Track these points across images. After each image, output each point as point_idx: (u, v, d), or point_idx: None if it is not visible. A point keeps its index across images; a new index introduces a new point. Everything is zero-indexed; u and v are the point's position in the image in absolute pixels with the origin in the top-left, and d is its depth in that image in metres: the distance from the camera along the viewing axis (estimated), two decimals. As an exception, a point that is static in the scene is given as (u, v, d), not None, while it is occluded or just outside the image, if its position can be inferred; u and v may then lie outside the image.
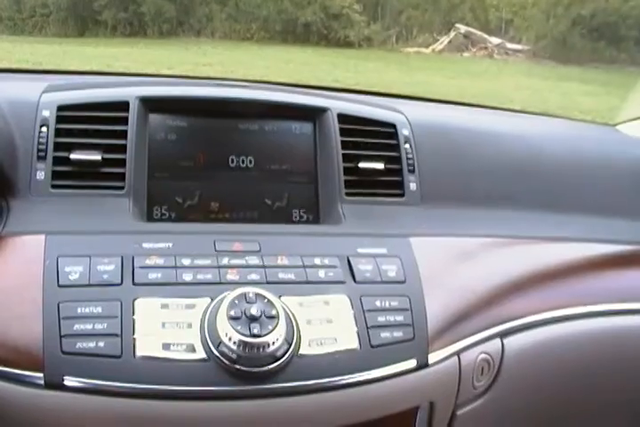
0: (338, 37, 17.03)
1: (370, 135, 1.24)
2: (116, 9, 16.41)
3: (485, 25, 17.09)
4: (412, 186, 1.24)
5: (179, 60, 10.16)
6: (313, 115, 1.24)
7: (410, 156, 1.25)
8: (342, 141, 1.21)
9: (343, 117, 1.22)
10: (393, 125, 1.27)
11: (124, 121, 1.13)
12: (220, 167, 1.19)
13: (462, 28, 15.89)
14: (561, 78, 11.61)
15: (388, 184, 1.23)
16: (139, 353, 0.92)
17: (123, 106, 1.15)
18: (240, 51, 12.94)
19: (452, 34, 15.84)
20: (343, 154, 1.20)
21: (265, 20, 17.65)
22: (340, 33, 17.13)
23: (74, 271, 0.97)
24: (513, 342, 1.16)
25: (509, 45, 15.46)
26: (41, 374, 0.90)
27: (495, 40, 15.60)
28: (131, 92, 1.17)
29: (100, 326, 0.93)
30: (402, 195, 1.23)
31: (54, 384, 0.90)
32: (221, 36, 16.90)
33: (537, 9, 15.87)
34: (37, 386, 0.90)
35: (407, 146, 1.25)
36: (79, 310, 0.93)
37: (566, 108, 7.94)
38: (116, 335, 0.92)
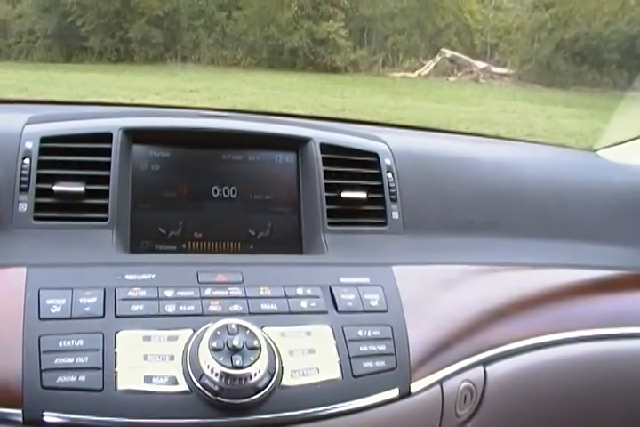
0: (324, 63, 17.15)
1: (352, 165, 1.23)
2: (103, 35, 16.47)
3: (471, 49, 17.30)
4: (395, 215, 1.23)
5: (166, 86, 10.19)
6: (296, 145, 1.22)
7: (392, 185, 1.24)
8: (325, 171, 1.20)
9: (326, 147, 1.21)
10: (375, 155, 1.25)
11: (108, 152, 1.12)
12: (204, 198, 1.18)
13: (448, 53, 16.08)
14: (546, 102, 11.74)
15: (371, 213, 1.22)
16: (120, 386, 0.90)
17: (106, 137, 1.13)
18: (227, 77, 13.03)
19: (438, 58, 16.02)
20: (326, 183, 1.19)
21: (252, 47, 17.76)
22: (326, 58, 17.25)
23: (55, 304, 0.95)
24: (495, 369, 1.15)
25: (495, 69, 15.65)
26: (19, 411, 0.87)
27: (481, 64, 15.78)
28: (114, 124, 1.16)
29: (81, 360, 0.92)
30: (384, 224, 1.22)
31: (33, 421, 0.88)
32: (208, 62, 16.97)
33: (521, 33, 16.12)
34: (15, 423, 0.88)
35: (389, 175, 1.24)
36: (60, 344, 0.93)
37: (552, 131, 8.04)
38: (98, 369, 0.90)
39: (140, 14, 15.34)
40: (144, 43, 15.18)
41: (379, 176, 1.23)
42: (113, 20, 15.31)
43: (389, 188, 1.23)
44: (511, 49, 16.15)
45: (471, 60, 15.88)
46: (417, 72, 15.84)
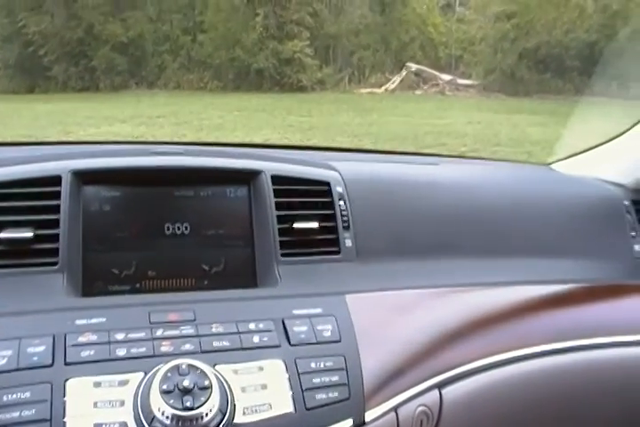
0: (291, 82, 17.27)
1: (304, 194, 1.23)
2: (67, 64, 16.43)
3: (436, 62, 17.54)
4: (348, 242, 1.22)
5: (132, 113, 10.21)
6: (247, 178, 1.22)
7: (344, 212, 1.23)
8: (277, 202, 1.19)
9: (277, 179, 1.21)
10: (327, 183, 1.25)
11: (57, 195, 1.10)
12: (156, 235, 1.16)
13: (413, 67, 16.28)
14: (511, 111, 11.97)
15: (324, 242, 1.21)
16: None
17: (55, 180, 1.11)
18: (193, 101, 13.08)
19: (404, 73, 16.22)
20: (278, 215, 1.18)
21: (217, 69, 17.84)
22: (292, 77, 17.37)
23: (2, 356, 0.92)
24: (451, 391, 1.14)
25: (460, 81, 15.87)
26: None
27: (446, 77, 16.01)
28: (63, 166, 1.14)
29: (27, 413, 0.89)
30: (338, 252, 1.21)
31: None
32: (175, 87, 17.02)
33: (485, 44, 16.38)
34: None
35: (341, 202, 1.24)
36: (5, 398, 0.90)
37: (517, 139, 8.16)
38: (46, 420, 0.89)
39: (104, 41, 15.40)
40: (109, 70, 15.22)
41: (331, 204, 1.23)
42: (76, 49, 15.35)
43: (342, 215, 1.23)
44: (475, 60, 16.39)
45: (436, 73, 16.10)
46: (383, 87, 16.02)
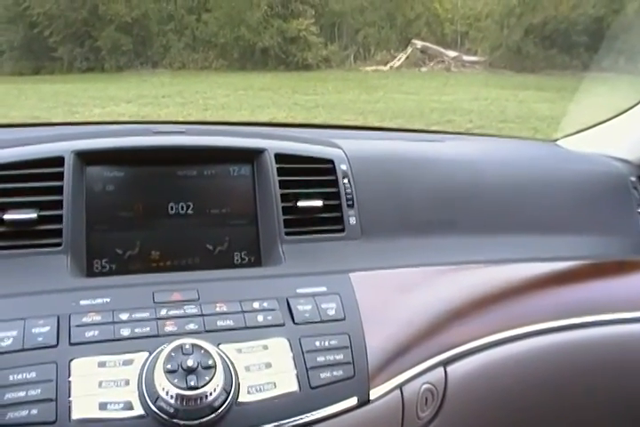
0: (296, 61, 17.11)
1: (308, 173, 1.23)
2: (72, 44, 16.33)
3: (442, 39, 17.33)
4: (352, 220, 1.22)
5: (137, 93, 10.15)
6: (251, 157, 1.22)
7: (348, 190, 1.23)
8: (280, 181, 1.19)
9: (280, 157, 1.21)
10: (330, 161, 1.25)
11: (60, 176, 1.10)
12: (160, 215, 1.17)
13: (419, 44, 16.11)
14: (517, 87, 11.82)
15: (328, 220, 1.21)
16: (74, 416, 0.88)
17: (58, 161, 1.12)
18: (199, 80, 13.00)
19: (409, 50, 16.04)
20: (282, 193, 1.19)
21: (222, 48, 17.69)
22: (297, 56, 17.21)
23: (7, 337, 0.94)
24: (456, 369, 1.12)
25: (466, 57, 15.69)
26: None
27: (452, 53, 15.83)
28: (66, 147, 1.14)
29: (33, 392, 0.89)
30: (342, 230, 1.21)
31: None
32: (180, 67, 16.87)
33: (491, 20, 16.16)
34: None
35: (345, 181, 1.24)
36: (11, 378, 0.90)
37: (524, 116, 8.09)
38: (51, 400, 0.89)
39: (108, 21, 15.24)
40: (114, 50, 15.09)
41: (335, 182, 1.23)
42: (81, 29, 15.20)
43: (346, 193, 1.23)
44: (481, 36, 16.19)
45: (442, 50, 15.92)
46: (389, 64, 15.86)
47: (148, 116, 8.02)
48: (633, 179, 1.49)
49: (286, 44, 15.85)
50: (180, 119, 7.98)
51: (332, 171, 1.24)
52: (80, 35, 15.13)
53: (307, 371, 0.98)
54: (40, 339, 0.93)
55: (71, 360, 0.92)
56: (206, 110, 8.62)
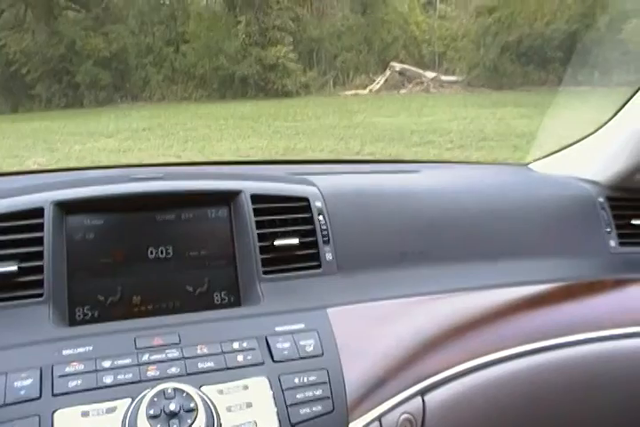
0: (276, 88, 17.31)
1: (284, 211, 1.24)
2: (50, 81, 16.42)
3: (419, 60, 17.59)
4: (328, 256, 1.24)
5: (117, 127, 10.21)
6: (227, 198, 1.23)
7: (324, 227, 1.25)
8: (257, 221, 1.21)
9: (256, 198, 1.23)
10: (305, 199, 1.27)
11: (40, 227, 1.11)
12: (140, 260, 1.17)
13: (397, 66, 16.33)
14: (496, 104, 12.05)
15: (305, 257, 1.23)
16: None
17: (38, 212, 1.12)
18: (179, 111, 13.10)
19: (388, 72, 16.26)
20: (259, 233, 1.20)
21: (202, 78, 17.85)
22: (277, 83, 17.40)
23: None
24: (433, 397, 1.13)
25: (444, 78, 15.92)
26: None
27: (430, 74, 16.06)
28: (45, 197, 1.15)
29: None
30: (318, 266, 1.23)
31: None
32: (159, 99, 17.03)
33: (467, 40, 16.44)
34: None
35: (320, 217, 1.26)
36: None
37: (503, 133, 8.18)
38: None
39: (86, 57, 15.40)
40: (93, 85, 15.21)
41: (310, 220, 1.25)
42: (59, 65, 15.35)
43: (321, 230, 1.25)
44: (458, 56, 16.46)
45: (420, 71, 16.15)
46: (368, 88, 16.06)
47: (129, 150, 8.06)
48: (601, 200, 1.52)
49: (265, 72, 16.05)
50: (161, 152, 8.03)
51: (308, 208, 1.26)
52: (58, 71, 15.26)
53: (287, 408, 0.99)
54: (22, 392, 0.92)
55: (54, 412, 0.91)
56: (187, 142, 8.67)
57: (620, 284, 1.44)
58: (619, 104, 1.52)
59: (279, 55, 16.26)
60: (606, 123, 1.56)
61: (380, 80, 16.11)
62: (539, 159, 1.74)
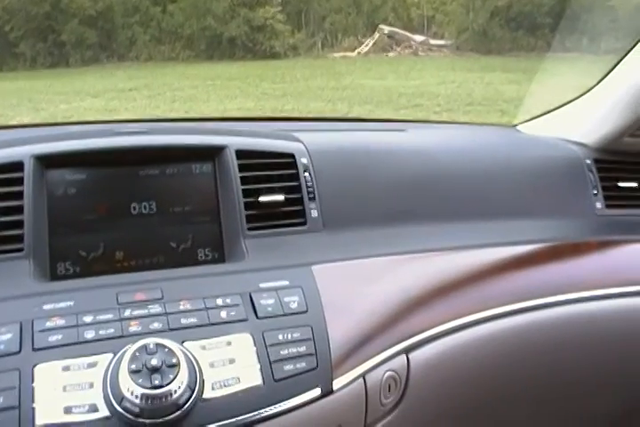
0: (264, 49, 17.04)
1: (269, 167, 1.22)
2: (34, 39, 16.06)
3: (408, 23, 17.34)
4: (314, 213, 1.22)
5: (104, 87, 10.04)
6: (212, 154, 1.21)
7: (309, 184, 1.23)
8: (242, 177, 1.19)
9: (241, 153, 1.20)
10: (291, 155, 1.25)
11: (20, 181, 1.10)
12: (123, 216, 1.15)
13: (386, 29, 16.11)
14: (484, 69, 11.91)
15: (290, 214, 1.21)
16: (38, 422, 0.87)
17: (17, 166, 1.11)
18: (166, 72, 12.89)
19: (377, 35, 16.05)
20: (243, 189, 1.18)
21: (189, 39, 17.53)
22: (265, 44, 17.13)
23: None
24: (418, 355, 1.13)
25: (433, 41, 15.75)
26: None
27: (419, 37, 15.87)
28: (25, 151, 1.12)
29: None
30: (304, 223, 1.21)
31: None
32: (146, 59, 16.71)
33: (456, 3, 16.21)
34: None
35: (306, 174, 1.24)
36: None
37: (491, 98, 8.14)
38: (14, 408, 0.87)
39: (71, 15, 15.05)
40: (78, 44, 14.91)
41: (296, 176, 1.23)
42: (44, 23, 14.99)
43: (307, 187, 1.22)
44: (447, 20, 16.26)
45: (409, 35, 15.95)
46: (356, 51, 15.87)
47: (115, 110, 7.93)
48: (588, 162, 1.52)
49: (253, 33, 15.79)
50: (147, 112, 7.94)
51: (293, 165, 1.23)
52: (42, 29, 14.91)
53: (270, 364, 0.99)
54: (2, 347, 0.92)
55: (34, 366, 0.91)
56: (174, 102, 8.57)
57: (605, 245, 1.44)
58: (605, 71, 1.53)
59: (267, 16, 15.99)
60: (594, 86, 1.57)
61: (369, 43, 15.92)
62: (527, 121, 1.73)
